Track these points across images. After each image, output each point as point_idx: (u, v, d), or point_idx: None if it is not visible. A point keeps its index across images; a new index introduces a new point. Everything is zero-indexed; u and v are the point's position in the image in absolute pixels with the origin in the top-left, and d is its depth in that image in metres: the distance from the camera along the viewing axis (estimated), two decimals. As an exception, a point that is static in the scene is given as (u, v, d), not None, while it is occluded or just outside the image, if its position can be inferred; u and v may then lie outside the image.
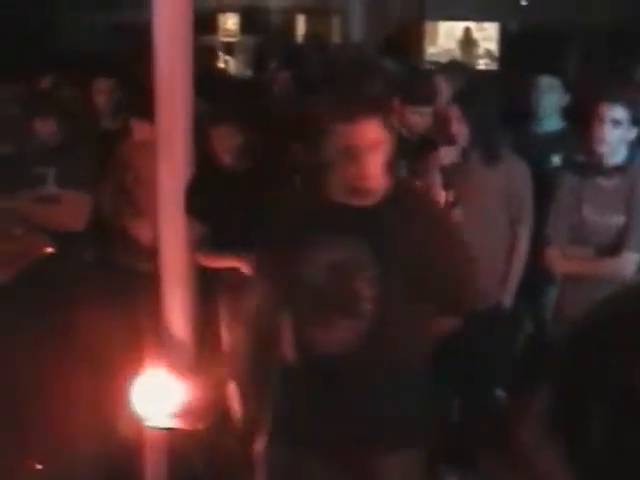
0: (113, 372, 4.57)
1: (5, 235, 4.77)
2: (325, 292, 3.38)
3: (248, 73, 11.90)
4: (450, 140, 4.95)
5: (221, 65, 12.72)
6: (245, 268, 4.61)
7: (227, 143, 4.54)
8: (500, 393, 5.46)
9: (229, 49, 13.41)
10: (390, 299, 3.30)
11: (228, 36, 14.08)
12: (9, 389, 5.15)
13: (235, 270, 4.66)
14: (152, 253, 4.87)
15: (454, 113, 5.01)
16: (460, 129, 5.01)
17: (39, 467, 5.10)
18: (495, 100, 5.35)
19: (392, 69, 7.75)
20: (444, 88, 5.75)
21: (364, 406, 3.46)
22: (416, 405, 3.51)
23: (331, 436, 3.48)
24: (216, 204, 4.54)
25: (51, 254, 4.91)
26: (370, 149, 3.21)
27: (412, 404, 3.49)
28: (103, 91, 6.06)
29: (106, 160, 5.40)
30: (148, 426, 4.36)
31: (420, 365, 3.49)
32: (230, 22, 14.32)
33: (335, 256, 3.33)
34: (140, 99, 5.00)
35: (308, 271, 3.41)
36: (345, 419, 3.46)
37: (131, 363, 4.51)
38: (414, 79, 6.32)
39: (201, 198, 4.56)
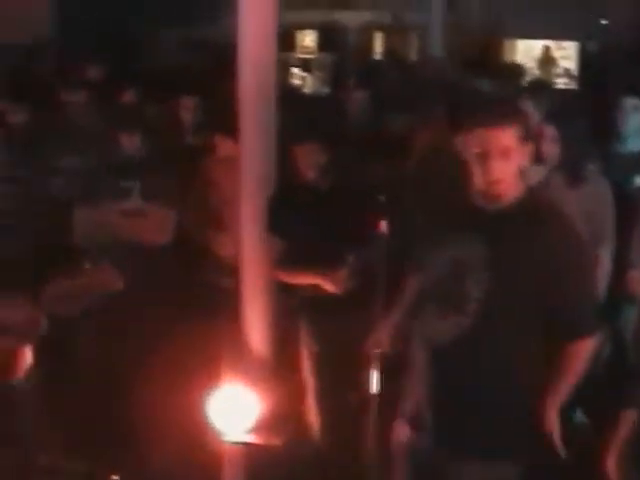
0: (193, 386, 4.62)
1: (75, 270, 4.82)
2: (443, 286, 3.47)
3: (325, 90, 11.93)
4: (540, 159, 4.91)
5: (298, 82, 12.78)
6: (324, 284, 4.62)
7: (311, 160, 4.56)
8: (580, 415, 5.38)
9: (306, 66, 13.46)
10: (496, 302, 3.34)
11: (306, 53, 14.14)
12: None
13: (315, 287, 4.68)
14: (233, 269, 4.91)
15: (549, 132, 4.97)
16: (552, 149, 4.97)
17: (115, 478, 5.18)
18: (583, 120, 5.29)
19: (482, 87, 7.72)
20: (530, 107, 5.73)
21: (461, 407, 3.47)
22: (512, 417, 3.48)
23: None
24: (298, 221, 4.56)
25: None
26: (501, 155, 3.29)
27: (508, 415, 3.47)
28: (188, 108, 6.14)
29: (189, 176, 5.48)
30: (226, 440, 4.38)
31: (522, 380, 3.46)
32: (308, 39, 14.41)
33: (455, 254, 3.42)
34: (224, 116, 5.06)
35: (436, 266, 3.50)
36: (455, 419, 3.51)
37: (210, 377, 4.55)
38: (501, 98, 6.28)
39: (283, 215, 4.58)
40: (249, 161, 4.66)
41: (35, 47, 10.22)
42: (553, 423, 3.45)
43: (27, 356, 3.39)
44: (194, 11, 12.46)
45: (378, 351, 4.21)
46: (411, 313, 3.88)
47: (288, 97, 5.94)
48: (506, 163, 3.31)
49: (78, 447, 5.51)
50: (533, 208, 3.40)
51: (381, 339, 4.14)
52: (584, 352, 3.44)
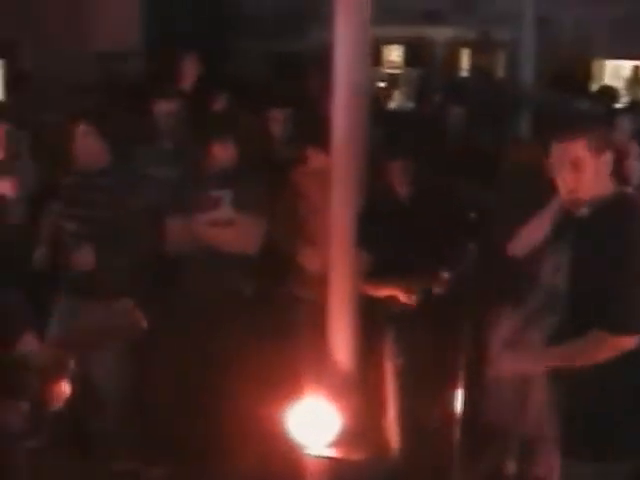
0: (275, 398, 4.63)
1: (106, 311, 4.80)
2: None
3: (409, 105, 11.91)
4: (623, 178, 4.89)
5: (384, 96, 12.76)
6: (403, 297, 4.62)
7: (402, 176, 4.57)
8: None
9: (392, 81, 13.46)
10: (579, 301, 3.54)
11: (392, 68, 14.15)
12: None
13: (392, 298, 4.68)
14: (319, 281, 4.91)
15: (634, 151, 4.98)
16: (636, 166, 4.98)
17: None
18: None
19: (576, 106, 7.65)
20: (626, 126, 5.71)
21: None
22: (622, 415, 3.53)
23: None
24: (387, 235, 4.56)
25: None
26: (572, 166, 3.52)
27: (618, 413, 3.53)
28: (278, 120, 6.17)
29: (279, 187, 5.49)
30: (307, 454, 4.37)
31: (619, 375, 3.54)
32: (394, 54, 14.41)
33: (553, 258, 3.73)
34: (316, 128, 5.07)
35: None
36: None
37: (292, 390, 4.56)
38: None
39: (372, 229, 4.58)
40: (340, 174, 4.66)
41: (128, 55, 10.36)
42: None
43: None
44: (281, 25, 12.55)
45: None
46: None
47: (378, 112, 5.94)
48: (578, 173, 3.53)
49: (159, 454, 5.60)
50: (613, 212, 3.57)
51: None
52: (617, 348, 3.48)
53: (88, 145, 5.22)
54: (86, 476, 5.19)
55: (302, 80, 8.31)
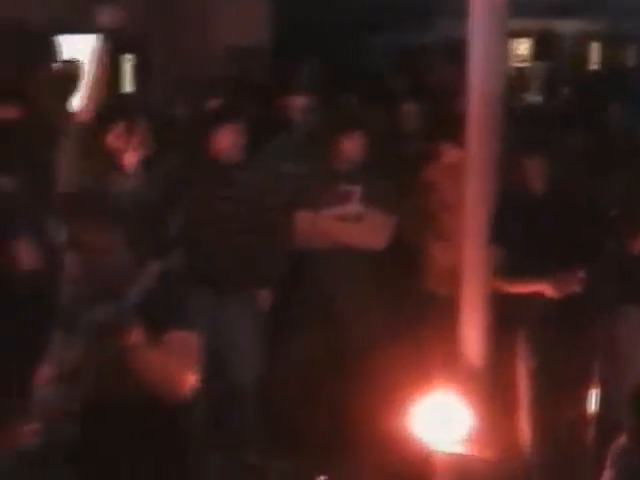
0: (403, 393, 4.60)
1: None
2: None
3: (537, 99, 11.72)
4: None
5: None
6: (550, 292, 4.51)
7: (539, 173, 4.49)
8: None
9: (520, 75, 13.26)
10: None
11: (520, 61, 13.95)
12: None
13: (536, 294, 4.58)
14: (450, 277, 4.87)
15: None
16: None
17: (323, 478, 5.22)
18: None
19: None
20: None
21: None
22: None
23: None
24: (522, 231, 4.49)
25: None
26: None
27: None
28: (408, 114, 6.14)
29: (409, 182, 5.47)
30: (435, 451, 4.34)
31: None
32: (522, 47, 14.20)
33: None
34: (449, 123, 5.03)
35: None
36: None
37: (422, 385, 4.53)
38: None
39: (507, 224, 4.51)
40: (474, 169, 4.61)
41: (255, 51, 10.46)
42: None
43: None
44: (407, 18, 12.47)
45: None
46: None
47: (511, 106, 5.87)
48: None
49: (287, 447, 5.64)
50: None
51: None
52: None
53: (226, 139, 5.31)
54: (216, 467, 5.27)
55: (430, 74, 8.27)
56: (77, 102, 5.53)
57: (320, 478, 5.19)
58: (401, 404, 4.43)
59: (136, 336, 3.13)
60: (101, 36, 5.28)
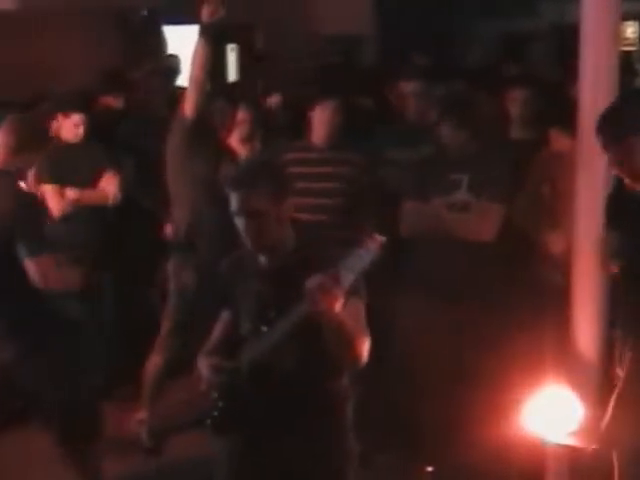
0: (514, 384, 4.55)
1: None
2: None
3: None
4: None
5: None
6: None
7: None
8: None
9: (627, 59, 12.97)
10: None
11: (627, 45, 13.65)
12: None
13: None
14: (564, 265, 4.77)
15: None
16: None
17: (430, 469, 5.19)
18: None
19: None
20: None
21: None
22: None
23: None
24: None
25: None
26: None
27: None
28: (516, 100, 6.04)
29: (520, 170, 5.37)
30: (546, 443, 4.28)
31: None
32: (629, 30, 13.90)
33: None
34: (560, 110, 4.93)
35: None
36: None
37: (533, 376, 4.47)
38: None
39: (622, 211, 4.40)
40: (587, 157, 4.51)
41: (359, 39, 10.48)
42: None
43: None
44: (511, 4, 12.31)
45: None
46: None
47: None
48: None
49: (394, 438, 5.63)
50: None
51: None
52: None
53: (331, 121, 5.47)
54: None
55: (536, 60, 8.15)
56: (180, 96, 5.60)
57: (427, 469, 5.18)
58: (515, 397, 4.42)
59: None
60: (201, 31, 5.32)
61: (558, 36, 9.53)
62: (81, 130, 6.22)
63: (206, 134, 5.42)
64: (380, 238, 3.20)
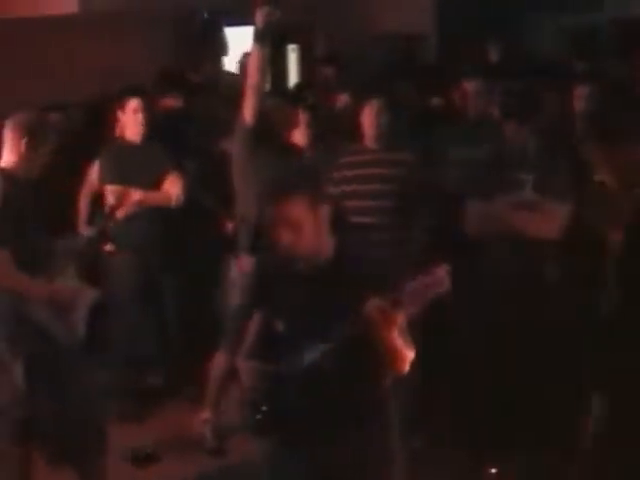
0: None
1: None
2: None
3: None
4: None
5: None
6: None
7: None
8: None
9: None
10: None
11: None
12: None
13: None
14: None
15: None
16: None
17: (494, 471, 5.13)
18: None
19: None
20: None
21: None
22: None
23: None
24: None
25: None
26: None
27: None
28: (582, 96, 5.96)
29: (586, 167, 5.28)
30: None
31: None
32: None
33: None
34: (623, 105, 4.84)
35: None
36: None
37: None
38: None
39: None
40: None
41: (419, 37, 10.41)
42: None
43: None
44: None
45: None
46: None
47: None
48: None
49: (460, 435, 5.58)
50: None
51: None
52: None
53: (379, 120, 5.42)
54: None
55: (602, 55, 8.03)
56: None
57: (491, 470, 5.12)
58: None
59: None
60: (255, 36, 5.29)
61: (623, 31, 9.40)
62: (143, 128, 6.21)
63: (267, 136, 5.42)
64: (447, 268, 3.13)
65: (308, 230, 3.34)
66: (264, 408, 3.42)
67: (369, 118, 5.47)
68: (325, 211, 3.41)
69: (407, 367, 3.35)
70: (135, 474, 5.51)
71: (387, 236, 5.32)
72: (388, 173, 5.45)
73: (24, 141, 4.65)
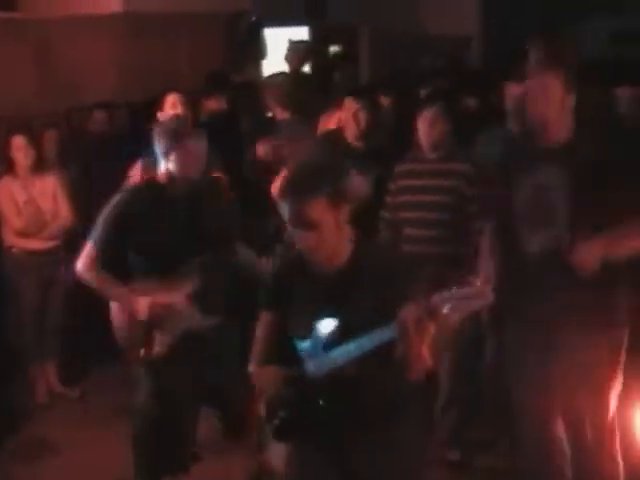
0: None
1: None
2: None
3: None
4: None
5: None
6: None
7: None
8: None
9: None
10: None
11: None
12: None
13: None
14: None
15: None
16: None
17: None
18: None
19: None
20: None
21: None
22: None
23: None
24: None
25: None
26: None
27: None
28: (626, 97, 5.86)
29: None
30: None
31: None
32: None
33: None
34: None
35: None
36: None
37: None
38: None
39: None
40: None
41: (464, 40, 10.36)
42: None
43: None
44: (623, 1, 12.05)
45: None
46: None
47: None
48: None
49: (492, 446, 5.54)
50: None
51: None
52: None
53: (434, 129, 5.30)
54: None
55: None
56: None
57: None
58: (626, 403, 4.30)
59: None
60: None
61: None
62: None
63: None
64: (490, 288, 3.07)
65: (329, 232, 3.24)
66: (282, 414, 3.33)
67: (423, 127, 5.32)
68: (344, 213, 3.29)
69: (423, 377, 3.23)
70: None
71: (441, 250, 5.26)
72: (445, 184, 5.29)
73: None
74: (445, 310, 2.99)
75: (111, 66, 8.63)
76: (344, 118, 5.98)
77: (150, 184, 4.65)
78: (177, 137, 4.45)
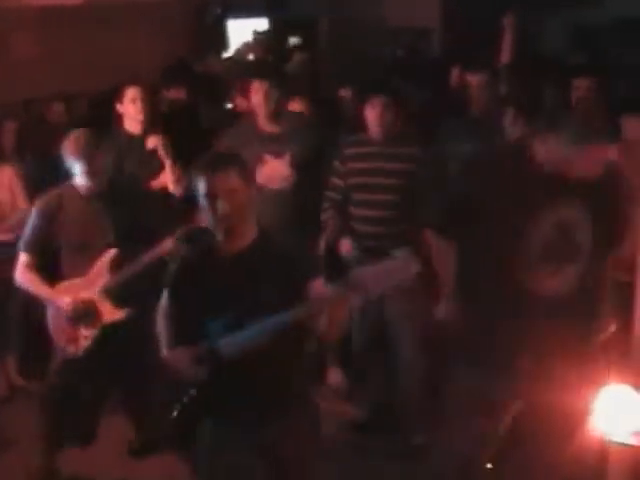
0: (578, 383, 4.46)
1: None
2: None
3: None
4: None
5: None
6: None
7: None
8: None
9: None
10: None
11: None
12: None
13: None
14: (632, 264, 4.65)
15: None
16: None
17: (489, 466, 5.12)
18: None
19: None
20: None
21: None
22: None
23: None
24: None
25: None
26: None
27: None
28: (582, 89, 5.94)
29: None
30: (610, 441, 4.20)
31: None
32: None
33: None
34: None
35: None
36: None
37: (598, 375, 4.39)
38: None
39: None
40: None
41: (424, 31, 10.40)
42: None
43: None
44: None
45: None
46: None
47: None
48: None
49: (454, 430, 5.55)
50: None
51: None
52: None
53: (385, 116, 5.36)
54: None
55: (604, 53, 8.01)
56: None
57: (487, 466, 5.10)
58: (579, 394, 4.34)
59: None
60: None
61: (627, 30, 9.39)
62: (142, 118, 6.12)
63: None
64: (416, 265, 3.20)
65: (243, 203, 3.50)
66: (192, 392, 3.55)
67: (371, 114, 5.40)
68: (253, 194, 3.59)
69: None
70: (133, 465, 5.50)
71: (383, 229, 5.37)
72: (394, 167, 5.38)
73: None
74: (368, 284, 3.14)
75: (70, 56, 8.58)
76: (254, 101, 5.90)
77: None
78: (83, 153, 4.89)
